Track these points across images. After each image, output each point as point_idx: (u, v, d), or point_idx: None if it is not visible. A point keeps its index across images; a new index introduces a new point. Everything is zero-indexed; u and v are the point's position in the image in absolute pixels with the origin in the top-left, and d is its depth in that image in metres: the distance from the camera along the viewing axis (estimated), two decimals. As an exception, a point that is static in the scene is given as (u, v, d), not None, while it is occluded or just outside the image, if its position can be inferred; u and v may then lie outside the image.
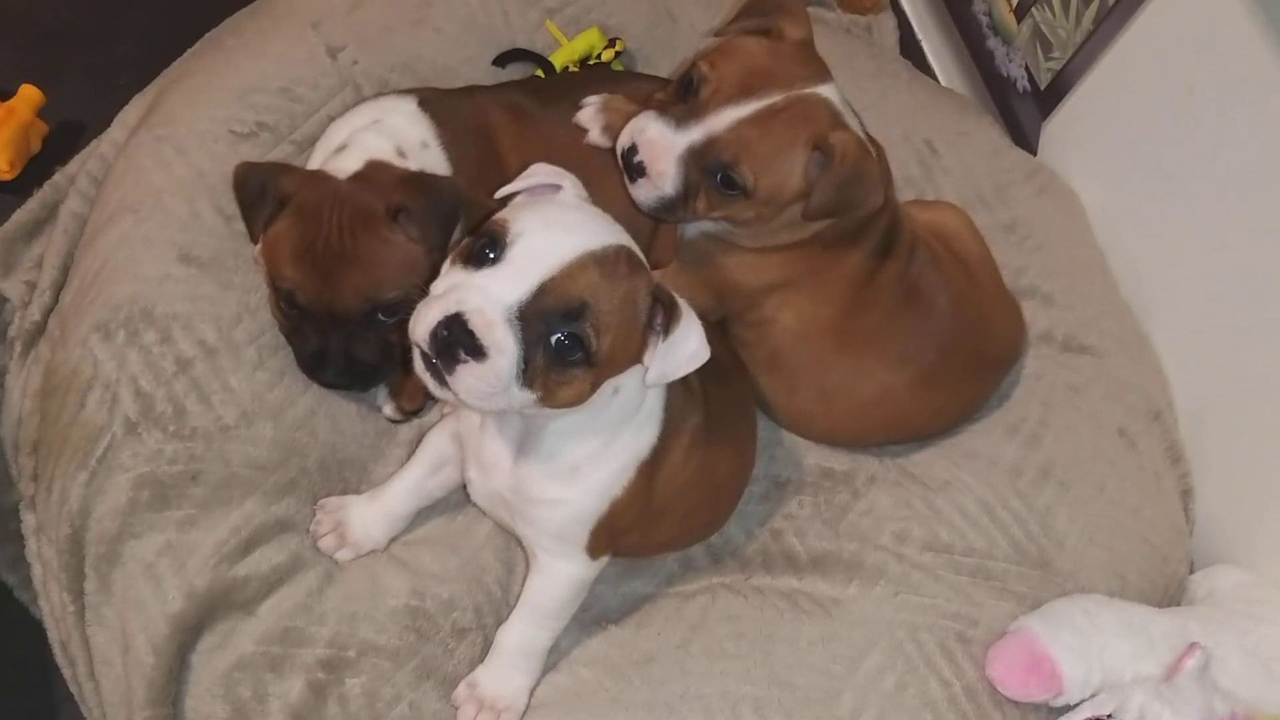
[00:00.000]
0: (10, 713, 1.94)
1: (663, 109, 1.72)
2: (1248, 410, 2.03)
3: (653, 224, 1.99)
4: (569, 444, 1.52)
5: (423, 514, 1.81)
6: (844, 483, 1.94)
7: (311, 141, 1.96)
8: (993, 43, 2.56)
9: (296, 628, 1.67)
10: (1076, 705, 1.72)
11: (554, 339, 1.33)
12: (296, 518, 1.76)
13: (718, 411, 1.69)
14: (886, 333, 1.90)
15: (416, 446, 1.80)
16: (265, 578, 1.69)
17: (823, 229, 1.81)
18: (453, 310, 1.31)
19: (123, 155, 2.03)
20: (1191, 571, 2.04)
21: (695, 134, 1.69)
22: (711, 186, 1.72)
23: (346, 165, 1.79)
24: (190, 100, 2.05)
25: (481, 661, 1.70)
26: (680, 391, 1.61)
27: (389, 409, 1.90)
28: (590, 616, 1.77)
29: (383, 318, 1.75)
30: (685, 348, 1.42)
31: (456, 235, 1.82)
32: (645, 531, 1.68)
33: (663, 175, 1.71)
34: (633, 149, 1.72)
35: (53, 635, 1.84)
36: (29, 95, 2.36)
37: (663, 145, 1.70)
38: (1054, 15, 2.32)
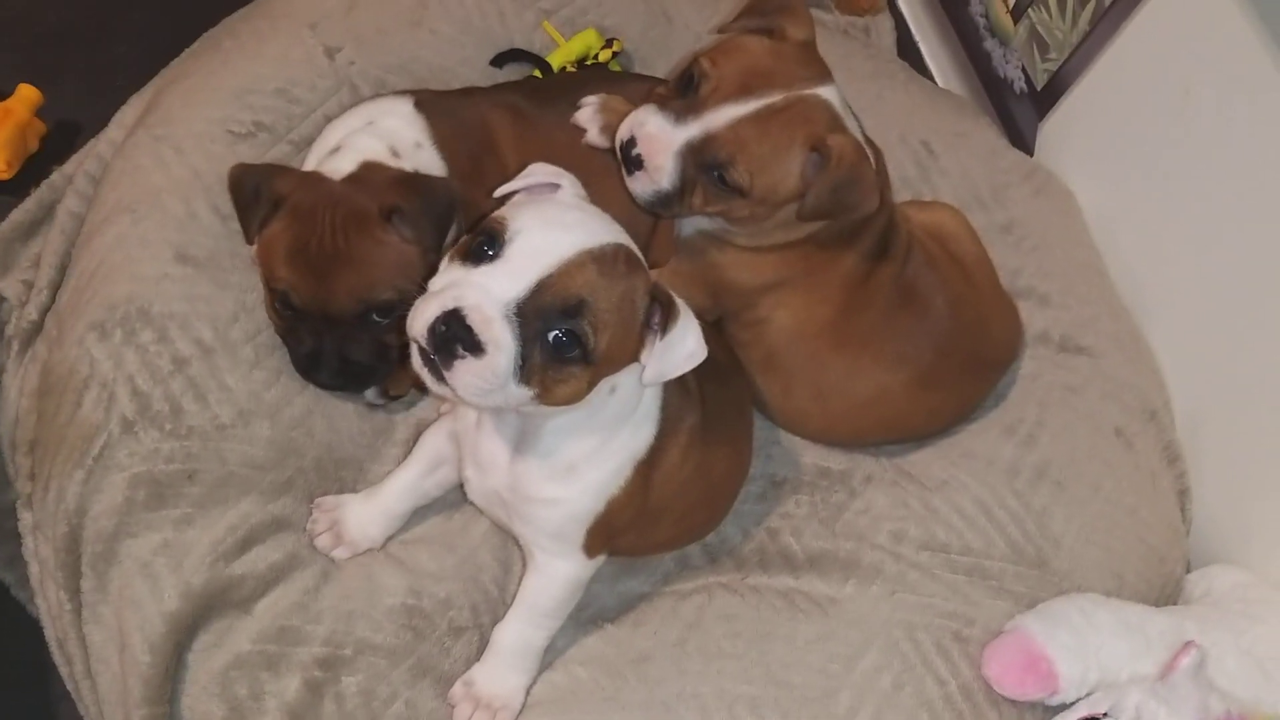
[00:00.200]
0: (7, 710, 1.94)
1: (663, 103, 1.73)
2: (1244, 410, 2.03)
3: (651, 223, 1.99)
4: (566, 442, 1.52)
5: (419, 513, 1.81)
6: (841, 482, 1.94)
7: (308, 142, 1.97)
8: (990, 44, 2.56)
9: (293, 626, 1.67)
10: (1073, 704, 1.72)
11: (551, 336, 1.34)
12: (293, 517, 1.76)
13: (715, 411, 1.69)
14: (883, 333, 1.90)
15: (413, 445, 1.80)
16: (262, 576, 1.69)
17: (818, 230, 1.81)
18: (451, 306, 1.31)
19: (120, 155, 2.03)
20: (1188, 571, 2.04)
21: (693, 130, 1.70)
22: (708, 183, 1.72)
23: (340, 167, 1.79)
24: (188, 100, 2.05)
25: (478, 660, 1.71)
26: (677, 391, 1.61)
27: (371, 392, 1.90)
28: (587, 615, 1.77)
29: (377, 319, 1.75)
30: (683, 347, 1.42)
31: (452, 235, 1.82)
32: (642, 531, 1.69)
33: (660, 170, 1.71)
34: (631, 141, 1.72)
35: (50, 633, 1.84)
36: (27, 95, 2.36)
37: (661, 140, 1.70)
38: (1050, 16, 2.32)
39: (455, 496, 1.81)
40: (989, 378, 2.03)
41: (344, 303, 1.73)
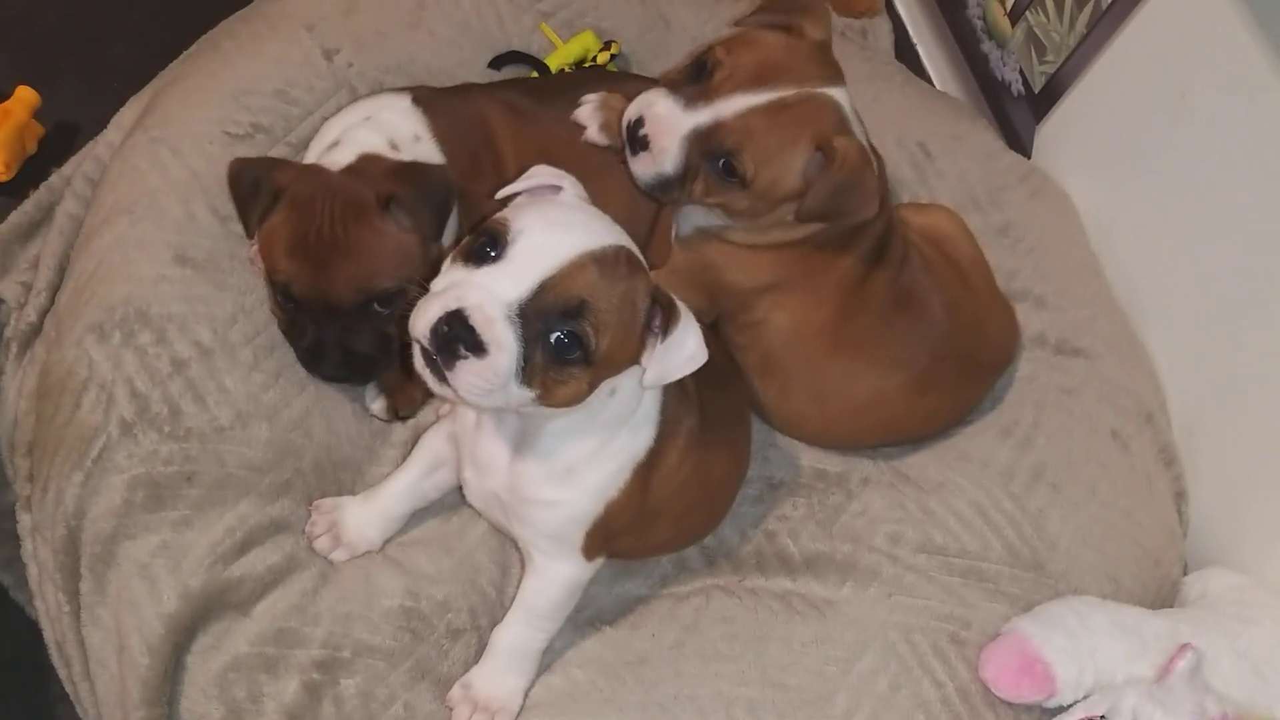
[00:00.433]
0: (6, 712, 1.94)
1: (673, 87, 1.72)
2: (1241, 413, 2.03)
3: (649, 223, 1.99)
4: (565, 445, 1.53)
5: (417, 515, 1.81)
6: (838, 484, 1.94)
7: (306, 143, 1.97)
8: (987, 46, 2.57)
9: (291, 628, 1.67)
10: (1069, 706, 1.72)
11: (553, 337, 1.34)
12: (291, 519, 1.76)
13: (713, 414, 1.70)
14: (879, 336, 1.91)
15: (411, 447, 1.81)
16: (260, 578, 1.70)
17: (816, 231, 1.81)
18: (453, 307, 1.32)
19: (118, 157, 2.03)
20: (1185, 574, 2.04)
21: (702, 116, 1.69)
22: (711, 171, 1.72)
23: (339, 160, 1.79)
24: (186, 102, 2.05)
25: (476, 662, 1.71)
26: (676, 394, 1.61)
27: (378, 406, 1.90)
28: (584, 617, 1.78)
29: (378, 309, 1.75)
30: (683, 349, 1.42)
31: (452, 229, 1.82)
32: (640, 533, 1.69)
33: (665, 152, 1.71)
34: (639, 122, 1.72)
35: (48, 635, 1.84)
36: (25, 97, 2.36)
37: (669, 122, 1.70)
38: (1048, 19, 2.33)
39: (453, 499, 1.81)
40: (985, 380, 2.04)
41: (344, 293, 1.73)
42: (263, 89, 2.05)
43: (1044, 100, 2.40)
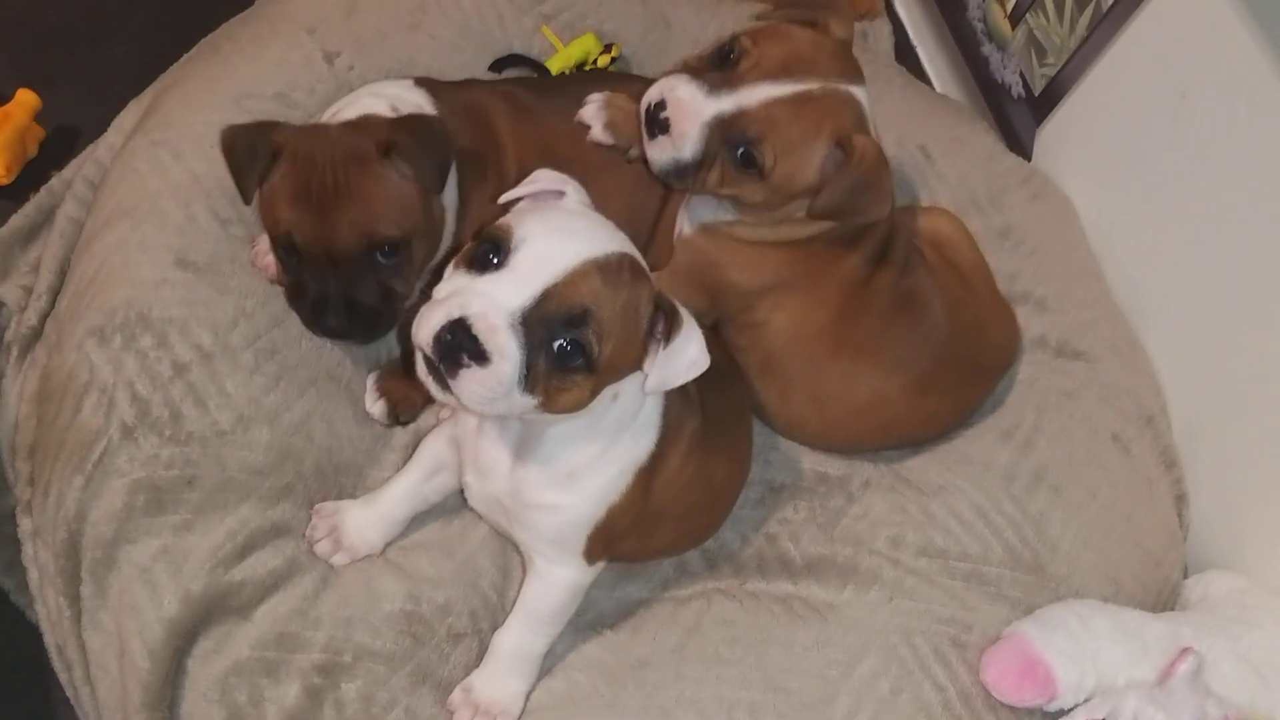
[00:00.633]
0: (7, 716, 1.94)
1: (695, 74, 1.72)
2: (1241, 415, 2.03)
3: (651, 222, 1.99)
4: (567, 449, 1.53)
5: (418, 518, 1.81)
6: (839, 487, 1.94)
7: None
8: (987, 48, 2.57)
9: (292, 632, 1.67)
10: (1070, 710, 1.72)
11: (556, 345, 1.34)
12: (292, 522, 1.76)
13: (714, 417, 1.70)
14: (880, 338, 1.91)
15: (412, 451, 1.81)
16: (261, 582, 1.69)
17: (823, 230, 1.82)
18: (456, 315, 1.32)
19: (119, 160, 2.03)
20: (1186, 576, 2.04)
21: (726, 103, 1.69)
22: (729, 160, 1.71)
23: (340, 119, 1.81)
24: (186, 105, 2.05)
25: (477, 666, 1.71)
26: (678, 398, 1.61)
27: (378, 409, 1.90)
28: (585, 621, 1.78)
29: (382, 260, 1.75)
30: (685, 355, 1.42)
31: (453, 195, 1.83)
32: (642, 537, 1.69)
33: (685, 137, 1.70)
34: (660, 105, 1.71)
35: (49, 639, 1.84)
36: (26, 100, 2.36)
37: (691, 107, 1.69)
38: (1048, 21, 2.33)
39: (454, 502, 1.81)
40: (986, 383, 2.03)
41: (347, 239, 1.72)
42: (264, 92, 2.05)
43: (1044, 102, 2.40)
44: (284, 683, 1.64)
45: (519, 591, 1.70)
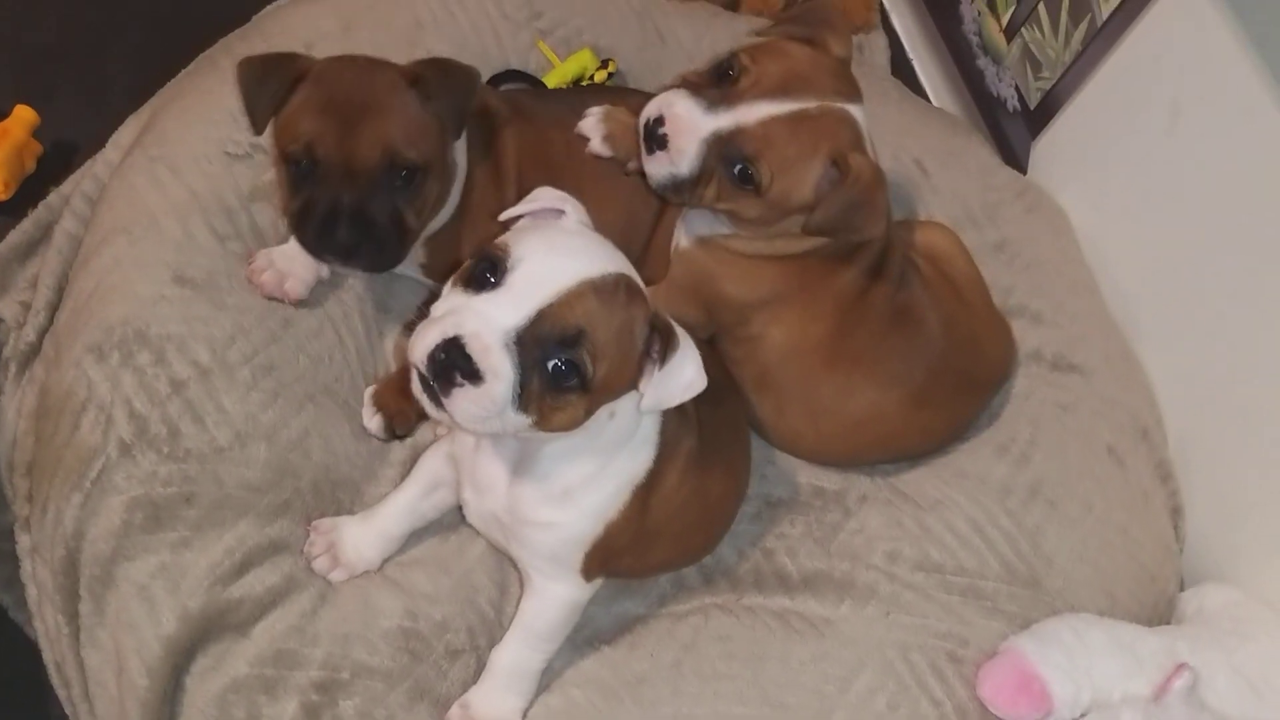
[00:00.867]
0: (5, 733, 1.95)
1: (694, 90, 1.73)
2: (1236, 428, 2.04)
3: (647, 233, 2.00)
4: (563, 467, 1.53)
5: (416, 534, 1.81)
6: (835, 502, 1.95)
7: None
8: (983, 62, 2.57)
9: (290, 649, 1.67)
10: (1066, 724, 1.73)
11: (550, 365, 1.34)
12: (290, 539, 1.76)
13: (712, 433, 1.70)
14: (876, 352, 1.91)
15: (409, 467, 1.81)
16: (259, 599, 1.69)
17: (819, 245, 1.82)
18: (451, 334, 1.32)
19: (117, 176, 2.03)
20: (1182, 589, 2.05)
21: (724, 120, 1.70)
22: (726, 176, 1.72)
23: None
24: (184, 121, 2.05)
25: (475, 683, 1.71)
26: (675, 415, 1.61)
27: (375, 424, 1.90)
28: (583, 637, 1.78)
29: (399, 183, 1.74)
30: (681, 376, 1.43)
31: (462, 151, 1.85)
32: (639, 553, 1.69)
33: (682, 153, 1.71)
34: (659, 120, 1.72)
35: (47, 656, 1.84)
36: (24, 116, 2.35)
37: (690, 123, 1.70)
38: (1043, 35, 2.34)
39: (451, 518, 1.81)
40: (982, 397, 2.04)
41: (369, 152, 1.71)
42: (262, 108, 2.05)
43: (1039, 116, 2.40)
44: (282, 700, 1.64)
45: (516, 608, 1.70)
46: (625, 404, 1.48)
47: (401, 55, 2.15)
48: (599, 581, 1.67)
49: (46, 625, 1.82)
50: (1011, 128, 2.50)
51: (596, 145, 1.95)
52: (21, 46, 2.57)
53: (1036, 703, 1.72)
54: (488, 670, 1.69)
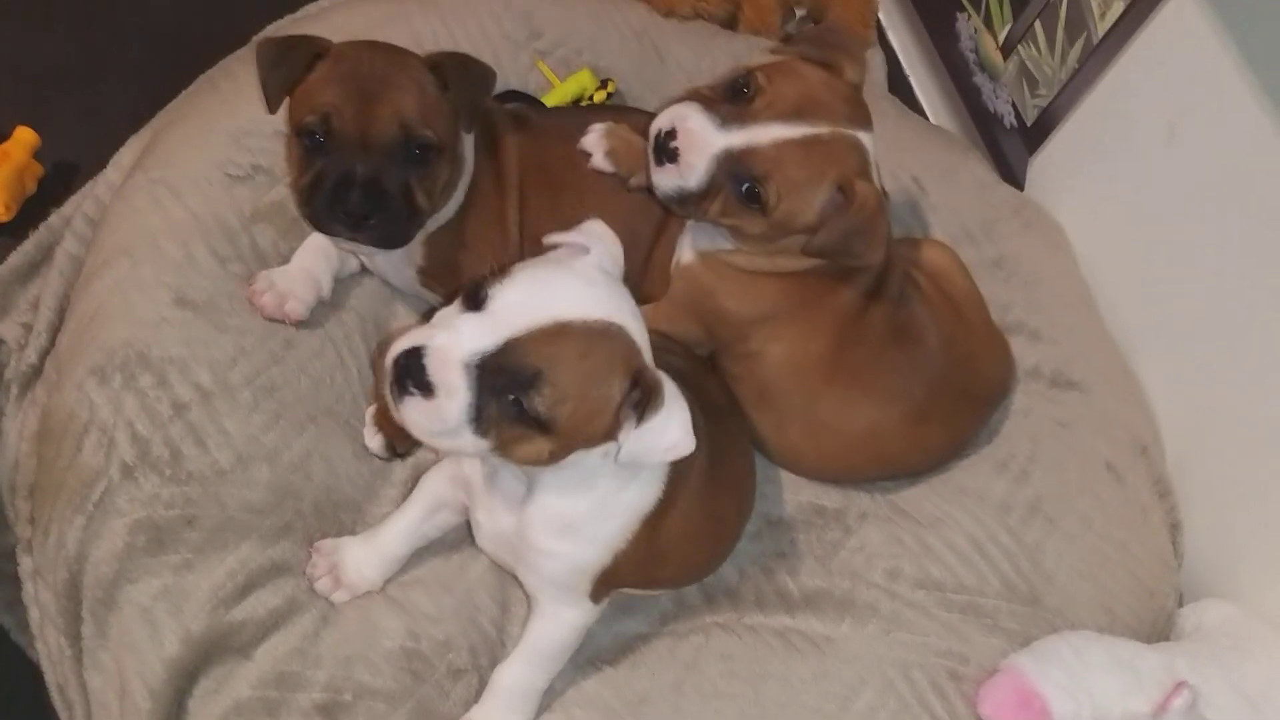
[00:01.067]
0: (8, 757, 1.94)
1: (707, 105, 1.73)
2: (1235, 444, 2.05)
3: (648, 247, 2.00)
4: (560, 499, 1.54)
5: (417, 554, 1.81)
6: (835, 520, 1.95)
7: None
8: (980, 79, 2.58)
9: (293, 671, 1.67)
10: (1067, 742, 1.73)
11: (510, 397, 1.35)
12: (292, 561, 1.76)
13: (718, 455, 1.70)
14: (875, 369, 1.92)
15: (411, 487, 1.81)
16: (261, 621, 1.70)
17: (819, 264, 1.83)
18: (418, 344, 1.34)
19: (118, 197, 2.03)
20: (1181, 605, 2.05)
21: (736, 138, 1.71)
22: (732, 193, 1.73)
23: None
24: (185, 142, 2.06)
25: (477, 702, 1.71)
26: None
27: (376, 443, 1.90)
28: (584, 657, 1.78)
29: (412, 159, 1.75)
30: (663, 438, 1.42)
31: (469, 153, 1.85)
32: (648, 572, 1.69)
33: (691, 168, 1.72)
34: (671, 134, 1.73)
35: (50, 679, 1.83)
36: (24, 137, 2.36)
37: (701, 138, 1.71)
38: (1040, 52, 2.35)
39: (453, 537, 1.81)
40: (981, 414, 2.05)
41: (386, 124, 1.72)
42: (262, 129, 2.05)
43: (1036, 133, 2.41)
44: (285, 722, 1.64)
45: (519, 627, 1.71)
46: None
47: (401, 76, 2.16)
48: (606, 601, 1.67)
49: (49, 648, 1.82)
50: (1008, 144, 2.51)
51: (598, 161, 1.96)
52: (22, 68, 2.57)
53: (1037, 720, 1.72)
54: (490, 689, 1.69)
